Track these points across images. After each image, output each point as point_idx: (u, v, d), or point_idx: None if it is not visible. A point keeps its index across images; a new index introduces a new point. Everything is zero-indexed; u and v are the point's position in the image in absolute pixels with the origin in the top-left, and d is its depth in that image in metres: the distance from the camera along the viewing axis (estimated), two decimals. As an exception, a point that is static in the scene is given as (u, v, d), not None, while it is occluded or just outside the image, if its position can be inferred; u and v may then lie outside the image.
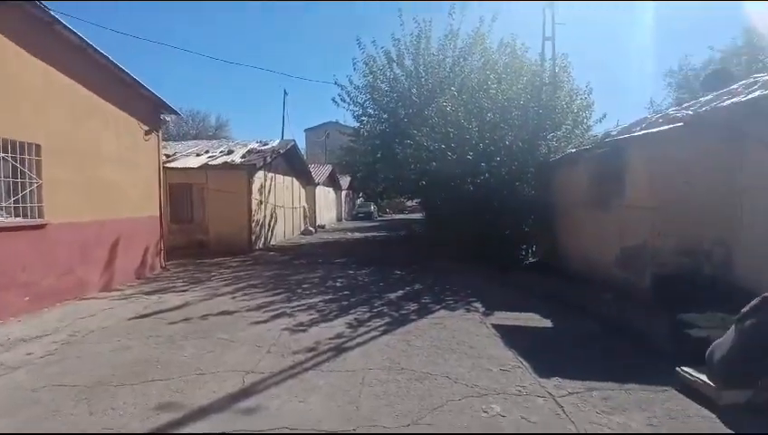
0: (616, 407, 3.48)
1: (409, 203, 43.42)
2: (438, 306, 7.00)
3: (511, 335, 5.37)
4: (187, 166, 14.17)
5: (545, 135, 11.40)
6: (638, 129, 8.49)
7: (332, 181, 31.27)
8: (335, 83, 18.21)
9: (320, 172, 27.72)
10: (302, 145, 39.34)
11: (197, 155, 15.81)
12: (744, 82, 7.51)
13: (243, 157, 15.24)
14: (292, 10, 77.31)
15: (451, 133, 11.75)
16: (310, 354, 4.73)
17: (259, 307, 6.90)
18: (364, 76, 17.74)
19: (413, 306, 6.98)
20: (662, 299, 6.02)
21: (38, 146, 6.86)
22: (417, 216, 32.99)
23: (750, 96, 6.01)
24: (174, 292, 8.17)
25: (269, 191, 16.40)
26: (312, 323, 6.02)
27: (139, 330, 5.68)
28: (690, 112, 7.12)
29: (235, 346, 5.02)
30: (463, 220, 11.57)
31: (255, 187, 14.77)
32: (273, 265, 11.69)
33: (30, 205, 6.76)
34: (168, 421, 3.30)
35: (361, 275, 10.04)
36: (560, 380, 4.00)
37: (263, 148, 16.82)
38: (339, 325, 5.87)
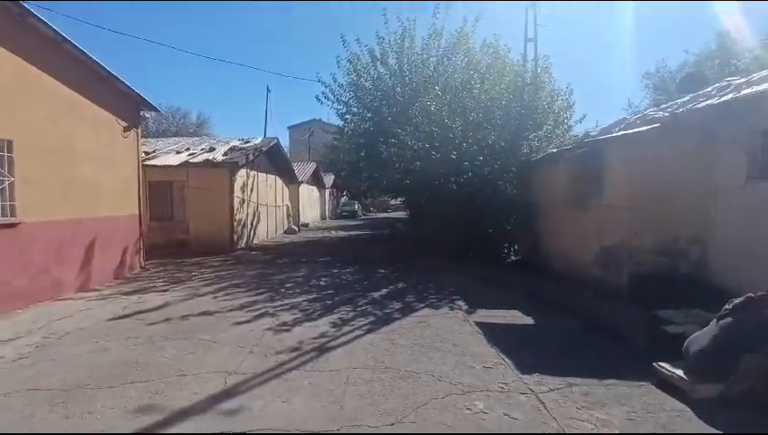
0: (596, 402, 3.56)
1: (393, 202, 43.43)
2: (422, 305, 7.03)
3: (493, 333, 5.43)
4: (168, 163, 13.90)
5: (527, 135, 11.56)
6: (617, 129, 8.68)
7: (316, 180, 31.08)
8: (319, 81, 18.11)
9: (303, 170, 27.51)
10: (285, 143, 39.00)
11: (178, 152, 15.52)
12: (717, 84, 7.74)
13: (225, 154, 15.02)
14: (276, 7, 76.60)
15: (435, 132, 11.82)
16: (293, 354, 4.70)
17: (241, 307, 6.82)
18: (348, 74, 17.68)
19: (397, 305, 7.00)
20: (640, 297, 6.17)
21: (10, 142, 6.65)
22: (402, 214, 33.07)
23: (723, 99, 6.20)
24: (154, 292, 8.01)
25: (251, 190, 16.21)
26: (296, 322, 5.98)
27: (117, 331, 5.56)
28: (667, 114, 7.31)
29: (216, 347, 4.95)
30: (446, 219, 11.65)
31: (238, 185, 14.58)
32: (256, 264, 11.57)
33: (2, 203, 6.54)
34: (148, 424, 3.24)
35: (345, 274, 10.02)
36: (541, 376, 4.07)
37: (245, 145, 16.61)
38: (323, 325, 5.84)
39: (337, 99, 18.02)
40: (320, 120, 37.04)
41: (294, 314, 6.43)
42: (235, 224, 14.35)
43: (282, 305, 6.92)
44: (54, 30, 7.20)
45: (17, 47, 6.74)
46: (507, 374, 4.15)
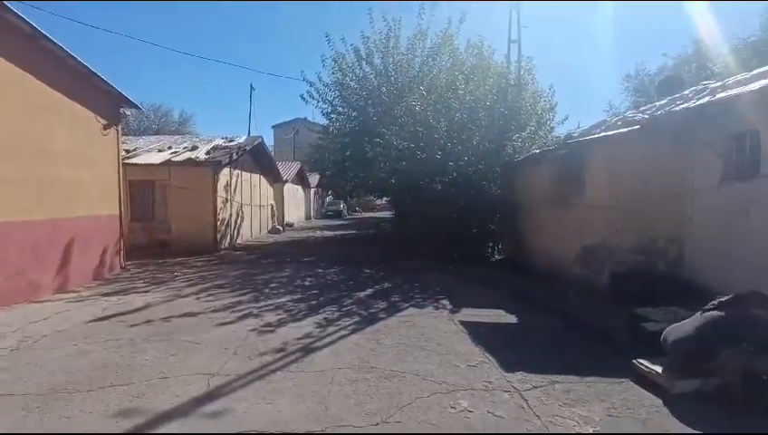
0: (577, 399, 3.62)
1: (379, 201, 43.48)
2: (407, 304, 7.05)
3: (478, 332, 5.48)
4: (149, 162, 13.64)
5: (511, 135, 11.69)
6: (598, 131, 8.85)
7: (301, 179, 30.87)
8: (304, 80, 17.99)
9: (288, 170, 27.31)
10: (269, 142, 38.67)
11: (160, 151, 15.26)
12: (694, 88, 7.94)
13: (207, 153, 14.82)
14: (260, 5, 75.81)
15: (420, 133, 11.86)
16: (278, 355, 4.67)
17: (225, 308, 6.74)
18: (333, 73, 17.61)
19: (382, 305, 7.00)
20: (620, 295, 6.30)
21: (-17, 140, 6.44)
22: (387, 214, 33.09)
23: (699, 102, 6.38)
24: (135, 293, 7.86)
25: (235, 189, 16.03)
26: (280, 323, 5.94)
27: (96, 333, 5.43)
28: (646, 116, 7.48)
29: (199, 349, 4.88)
30: (431, 219, 11.71)
31: (221, 184, 14.40)
32: (240, 264, 11.45)
33: (-26, 202, 6.34)
34: (129, 428, 3.18)
35: (330, 274, 9.98)
36: (524, 374, 4.12)
37: (229, 144, 16.41)
38: (307, 325, 5.81)
39: (322, 98, 17.95)
40: (305, 118, 36.85)
41: (279, 314, 6.38)
42: (219, 224, 14.18)
43: (266, 306, 6.86)
44: (31, 25, 7.00)
45: (-10, 42, 6.54)
46: (491, 373, 4.19)
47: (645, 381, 3.87)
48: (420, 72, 16.45)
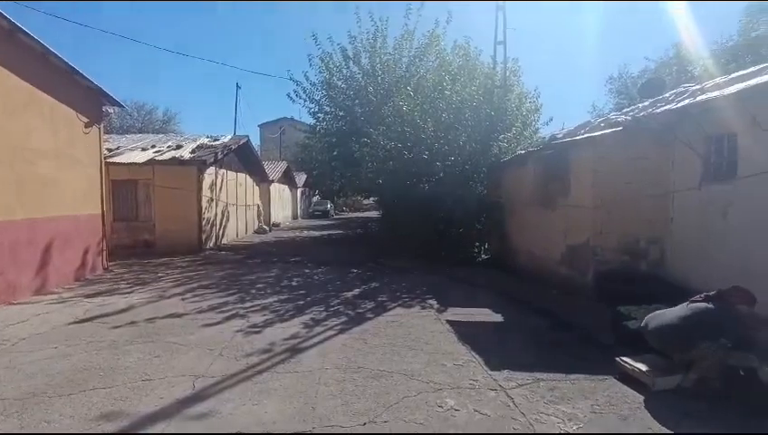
0: (562, 397, 3.68)
1: (366, 201, 43.42)
2: (395, 304, 7.06)
3: (464, 331, 5.52)
4: (132, 161, 13.39)
5: (497, 136, 11.78)
6: (582, 132, 8.98)
7: (288, 178, 30.65)
8: (290, 79, 17.90)
9: (274, 169, 27.08)
10: (255, 141, 38.36)
11: (143, 149, 15.00)
12: (674, 90, 8.12)
13: (192, 152, 14.62)
14: (248, 4, 75.07)
15: (407, 133, 11.88)
16: (264, 356, 4.64)
17: (210, 309, 6.67)
18: (320, 73, 17.52)
19: (369, 305, 7.00)
20: (604, 295, 6.41)
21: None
22: (374, 214, 33.06)
23: (680, 104, 6.51)
24: (118, 294, 7.72)
25: (220, 188, 15.85)
26: (267, 323, 5.90)
27: (78, 336, 5.32)
28: (629, 118, 7.62)
29: (184, 350, 4.82)
30: (418, 219, 11.75)
31: (206, 183, 14.22)
32: (225, 264, 11.33)
33: (-51, 202, 6.16)
34: (112, 432, 3.13)
35: (317, 274, 9.95)
36: (510, 372, 4.17)
37: (214, 143, 16.22)
38: (294, 326, 5.79)
39: (309, 97, 17.86)
40: (291, 118, 36.66)
41: (265, 315, 6.34)
42: (204, 223, 14.01)
43: (252, 307, 6.81)
44: (8, 19, 6.82)
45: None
46: (477, 371, 4.23)
47: (628, 378, 3.94)
48: (407, 73, 16.48)
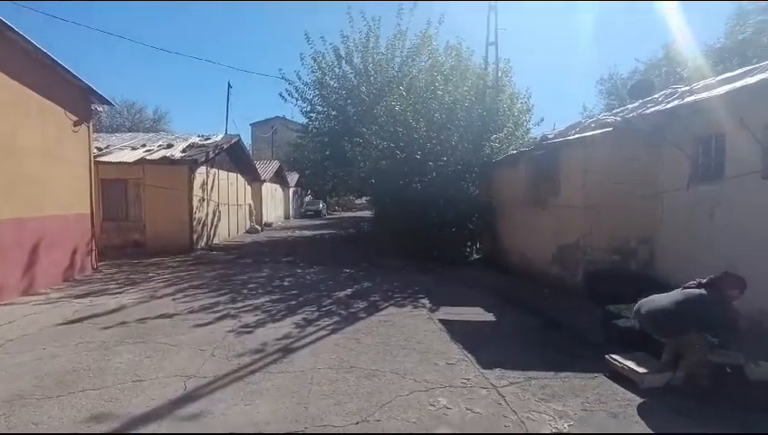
0: (553, 395, 3.71)
1: (359, 201, 43.40)
2: (387, 304, 7.07)
3: (456, 330, 5.54)
4: (123, 160, 13.25)
5: (489, 136, 11.84)
6: (573, 132, 9.06)
7: (280, 178, 30.51)
8: (283, 78, 17.86)
9: (266, 169, 26.94)
10: (247, 140, 38.13)
11: (133, 149, 14.85)
12: (664, 92, 8.22)
13: (183, 151, 14.49)
14: (239, 3, 74.56)
15: (400, 133, 11.90)
16: (256, 356, 4.62)
17: (202, 309, 6.62)
18: (313, 72, 17.52)
19: (362, 304, 7.00)
20: (594, 294, 6.48)
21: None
22: (367, 213, 33.04)
23: (669, 105, 6.60)
24: (107, 295, 7.64)
25: (212, 188, 15.74)
26: (259, 324, 5.87)
27: (67, 336, 5.26)
28: (619, 118, 7.70)
29: (175, 350, 4.79)
30: (411, 218, 11.76)
31: (197, 183, 14.11)
32: (217, 264, 11.26)
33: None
34: (102, 432, 3.10)
35: (309, 274, 9.92)
36: (501, 371, 4.20)
37: (205, 142, 16.10)
38: (286, 326, 5.77)
39: (301, 96, 17.85)
40: (283, 117, 36.50)
41: (257, 315, 6.31)
42: (195, 223, 13.90)
43: (244, 307, 6.77)
44: (-5, 16, 6.72)
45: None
46: (469, 370, 4.25)
47: (618, 375, 3.99)
48: (400, 73, 16.51)
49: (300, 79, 17.75)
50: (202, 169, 14.60)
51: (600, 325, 5.22)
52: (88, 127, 9.99)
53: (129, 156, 13.75)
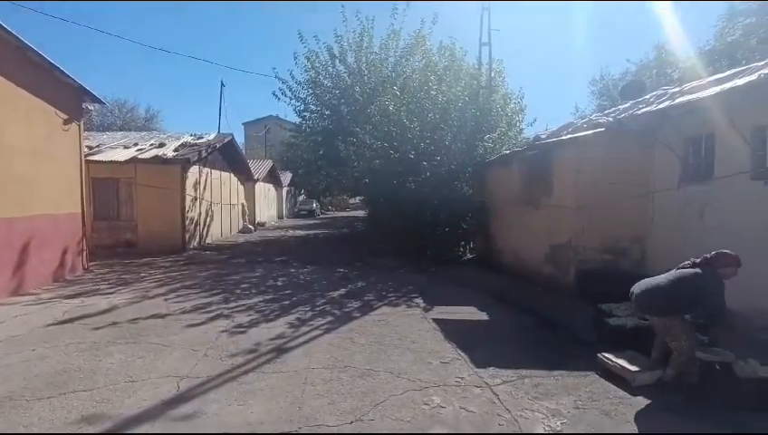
0: (546, 393, 3.74)
1: (352, 200, 43.35)
2: (381, 303, 7.08)
3: (450, 329, 5.56)
4: (114, 159, 13.11)
5: (482, 136, 11.89)
6: (565, 133, 9.12)
7: (273, 177, 30.38)
8: (276, 77, 17.77)
9: (259, 168, 26.81)
10: (240, 139, 37.99)
11: (125, 147, 14.71)
12: (655, 93, 8.30)
13: (176, 150, 14.39)
14: (234, 3, 74.15)
15: (394, 132, 11.90)
16: (250, 356, 4.60)
17: (194, 309, 6.58)
18: (306, 71, 17.45)
19: (356, 304, 7.00)
20: (586, 293, 6.53)
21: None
22: (360, 213, 33.04)
23: (660, 106, 6.66)
24: (98, 295, 7.57)
25: (204, 187, 15.64)
26: (252, 324, 5.85)
27: (57, 337, 5.20)
28: (611, 119, 7.76)
29: (168, 351, 4.75)
30: (404, 218, 11.77)
31: (190, 182, 14.02)
32: (210, 264, 11.20)
33: None
34: (94, 433, 3.07)
35: (303, 274, 9.90)
36: (495, 369, 4.22)
37: (198, 141, 15.99)
38: (280, 325, 5.75)
39: (295, 96, 17.78)
40: (276, 116, 36.29)
41: (250, 315, 6.29)
42: (188, 223, 13.81)
43: (237, 307, 6.74)
44: (-17, 12, 6.63)
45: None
46: (463, 369, 4.27)
47: (609, 374, 4.03)
48: (394, 72, 16.51)
49: (293, 78, 17.70)
50: (194, 169, 14.50)
51: (592, 324, 5.26)
52: (78, 125, 9.88)
53: (121, 155, 13.62)
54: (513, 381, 3.97)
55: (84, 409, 3.44)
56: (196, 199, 14.67)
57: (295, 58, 17.50)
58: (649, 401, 3.56)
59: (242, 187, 21.70)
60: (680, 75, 17.57)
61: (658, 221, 6.87)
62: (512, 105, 13.36)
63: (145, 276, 9.38)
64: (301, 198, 41.74)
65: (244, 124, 51.76)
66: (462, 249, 12.53)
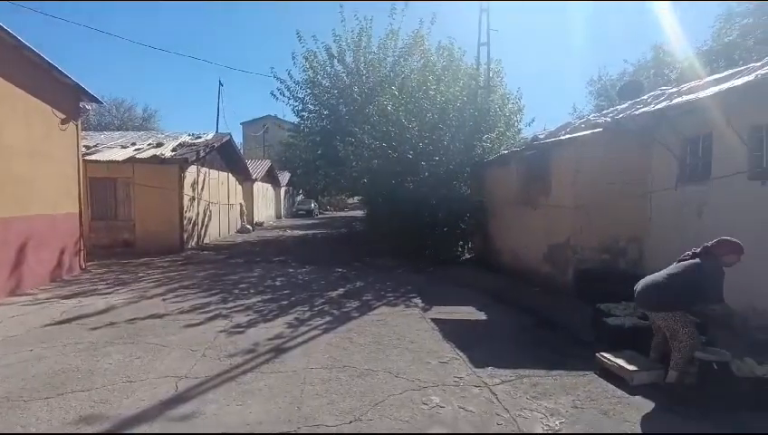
0: (544, 392, 3.74)
1: (350, 200, 43.32)
2: (379, 303, 7.08)
3: (449, 329, 5.57)
4: (112, 159, 13.09)
5: (480, 136, 11.90)
6: (563, 133, 9.14)
7: (271, 177, 30.34)
8: (274, 77, 17.79)
9: (258, 168, 26.77)
10: (238, 139, 37.84)
11: (123, 147, 14.67)
12: (652, 93, 8.32)
13: (174, 150, 14.36)
14: (233, 3, 74.01)
15: (392, 132, 11.91)
16: (248, 356, 4.60)
17: (193, 309, 6.57)
18: (304, 71, 17.47)
19: (354, 304, 7.00)
20: (584, 292, 6.54)
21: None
22: (359, 213, 33.02)
23: (657, 106, 6.68)
24: (96, 295, 7.54)
25: (202, 187, 15.61)
26: (251, 324, 5.84)
27: (55, 337, 5.19)
28: (608, 119, 7.78)
29: (166, 351, 4.74)
30: (403, 218, 11.79)
31: (187, 182, 13.99)
32: (208, 264, 11.18)
33: None
34: (92, 433, 3.06)
35: (302, 274, 9.89)
36: (493, 369, 4.22)
37: (196, 141, 15.97)
38: (278, 325, 5.75)
39: (293, 96, 17.80)
40: (275, 116, 36.29)
41: (249, 315, 6.28)
42: (185, 223, 13.78)
43: (235, 307, 6.73)
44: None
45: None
46: (462, 369, 4.27)
47: (608, 373, 4.04)
48: (392, 72, 16.53)
49: (291, 78, 17.72)
50: (192, 168, 14.48)
51: (590, 324, 5.27)
52: (76, 125, 9.85)
53: (119, 154, 13.59)
54: (512, 381, 3.97)
55: (82, 409, 3.43)
56: (194, 199, 14.64)
57: (293, 58, 17.54)
58: (648, 401, 3.57)
59: (240, 186, 21.67)
60: (678, 76, 17.61)
61: (656, 221, 6.88)
62: (510, 105, 13.38)
63: (143, 276, 9.36)
64: (299, 197, 41.71)
65: (242, 124, 51.75)
66: (460, 249, 12.55)
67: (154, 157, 13.43)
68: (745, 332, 4.77)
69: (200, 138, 16.64)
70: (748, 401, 3.45)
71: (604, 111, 10.22)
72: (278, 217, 33.24)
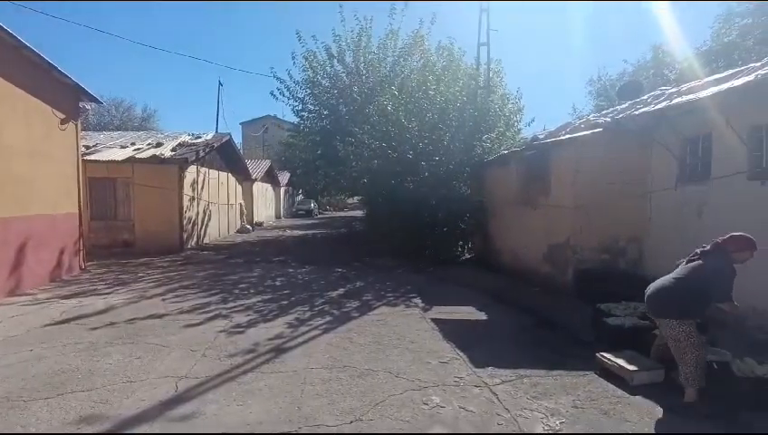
0: (544, 392, 3.74)
1: (350, 200, 43.30)
2: (379, 303, 7.07)
3: (449, 329, 5.57)
4: (111, 159, 13.08)
5: (480, 136, 11.90)
6: (563, 133, 9.14)
7: (271, 177, 30.34)
8: (274, 77, 17.78)
9: (257, 168, 26.77)
10: (238, 139, 37.82)
11: (122, 147, 14.67)
12: (652, 93, 8.32)
13: (173, 150, 14.35)
14: (232, 3, 73.97)
15: (392, 132, 11.91)
16: (249, 356, 4.59)
17: (193, 309, 6.57)
18: (304, 71, 17.46)
19: (354, 304, 7.00)
20: (583, 292, 6.55)
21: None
22: (358, 213, 33.02)
23: (657, 107, 6.68)
24: (96, 295, 7.54)
25: (202, 187, 15.61)
26: (251, 324, 5.84)
27: (54, 338, 5.18)
28: (608, 119, 7.78)
29: (166, 351, 4.74)
30: (403, 218, 11.79)
31: (187, 182, 13.98)
32: (207, 264, 11.17)
33: None
34: (92, 433, 3.07)
35: (301, 274, 9.89)
36: (494, 369, 4.22)
37: (195, 141, 15.96)
38: (279, 325, 5.75)
39: (293, 96, 17.79)
40: (274, 116, 36.33)
41: (249, 315, 6.28)
42: (185, 223, 13.78)
43: (235, 307, 6.73)
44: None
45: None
46: (462, 369, 4.27)
47: (608, 373, 4.04)
48: (392, 72, 16.53)
49: (291, 78, 17.71)
50: (192, 168, 14.47)
51: (590, 324, 5.27)
52: (76, 125, 9.85)
53: (118, 154, 13.59)
54: (512, 381, 3.97)
55: (82, 409, 3.42)
56: (193, 199, 14.64)
57: (293, 58, 17.53)
58: (648, 401, 3.57)
59: (239, 186, 21.66)
60: (677, 76, 17.62)
61: (656, 221, 6.89)
62: (510, 105, 13.37)
63: (142, 276, 9.36)
64: (299, 197, 41.71)
65: (241, 124, 51.73)
66: (460, 249, 12.55)
67: (153, 157, 13.42)
68: (746, 332, 4.77)
69: (200, 138, 16.64)
70: (748, 401, 3.45)
71: (604, 111, 10.23)
72: (278, 217, 33.23)
